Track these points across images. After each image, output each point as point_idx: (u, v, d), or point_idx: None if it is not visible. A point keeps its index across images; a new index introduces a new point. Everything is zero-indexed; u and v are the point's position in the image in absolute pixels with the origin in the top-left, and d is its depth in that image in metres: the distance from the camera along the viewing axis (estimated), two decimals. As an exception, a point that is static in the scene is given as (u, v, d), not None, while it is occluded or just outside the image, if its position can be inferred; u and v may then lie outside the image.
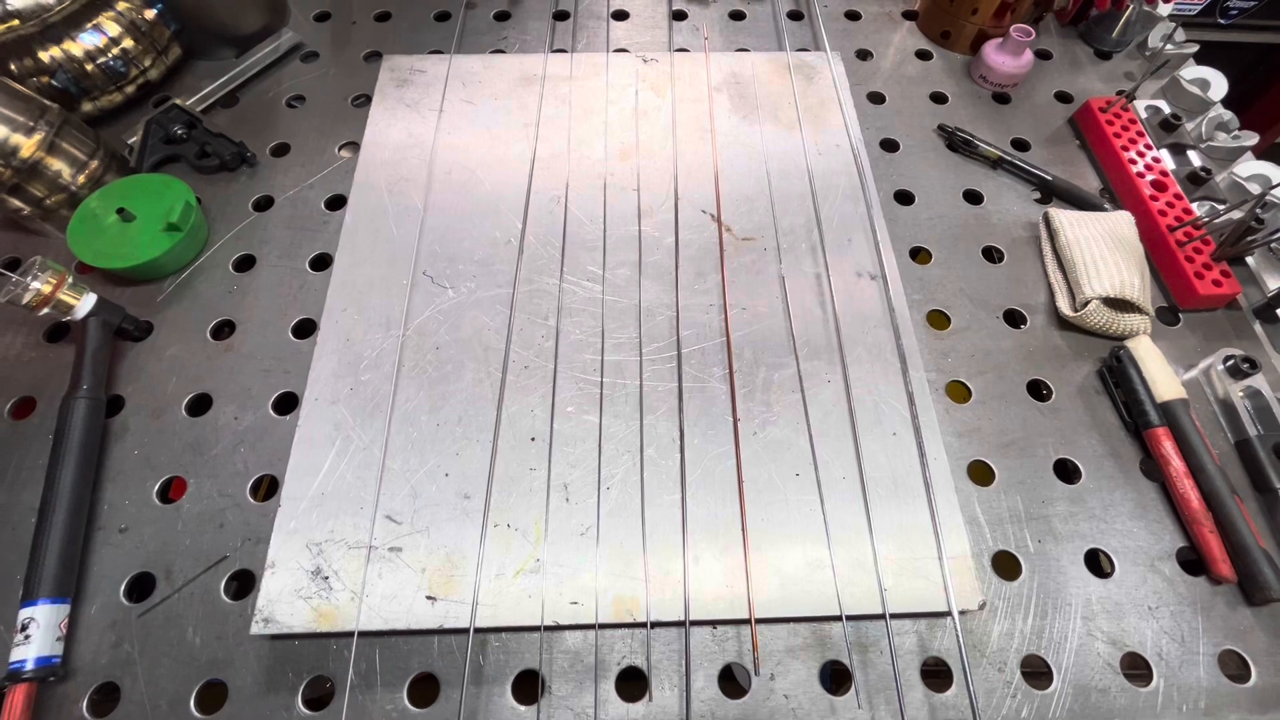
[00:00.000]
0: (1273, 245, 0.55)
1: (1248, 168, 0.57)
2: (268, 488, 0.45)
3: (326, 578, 0.39)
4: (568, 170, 0.55)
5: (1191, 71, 0.63)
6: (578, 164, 0.55)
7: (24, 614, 0.38)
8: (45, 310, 0.45)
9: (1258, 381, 0.46)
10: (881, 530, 0.41)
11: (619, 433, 0.44)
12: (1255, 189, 0.56)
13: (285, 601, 0.38)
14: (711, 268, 0.50)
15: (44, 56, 0.53)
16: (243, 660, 0.39)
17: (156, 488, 0.44)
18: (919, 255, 0.54)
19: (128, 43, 0.57)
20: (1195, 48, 0.65)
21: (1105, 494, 0.45)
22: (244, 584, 0.41)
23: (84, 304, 0.46)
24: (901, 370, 0.46)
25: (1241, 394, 0.46)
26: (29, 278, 0.43)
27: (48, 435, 0.44)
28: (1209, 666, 0.40)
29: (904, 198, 0.57)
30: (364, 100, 0.61)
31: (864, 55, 0.67)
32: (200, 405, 0.47)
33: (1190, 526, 0.43)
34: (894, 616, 0.39)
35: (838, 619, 0.39)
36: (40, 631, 0.37)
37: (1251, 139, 0.59)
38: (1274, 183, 0.52)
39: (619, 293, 0.49)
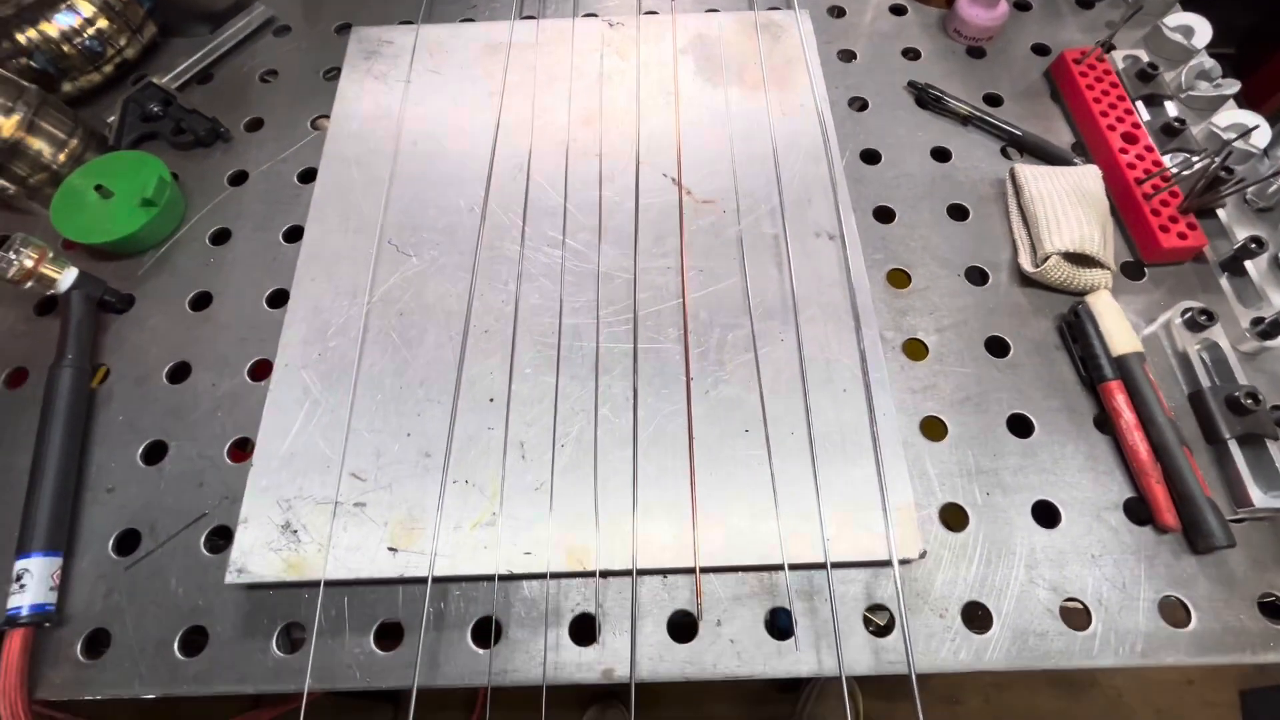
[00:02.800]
0: (1247, 196, 0.54)
1: (1227, 117, 0.56)
2: (243, 449, 0.47)
3: (295, 531, 0.41)
4: (531, 138, 0.55)
5: (1176, 18, 0.61)
6: (541, 131, 0.56)
7: (19, 565, 0.41)
8: (29, 284, 0.47)
9: (1215, 334, 0.46)
10: (827, 483, 0.42)
11: (575, 393, 0.45)
12: (1232, 139, 0.55)
13: (257, 553, 0.41)
14: (671, 231, 0.51)
15: (21, 39, 0.55)
16: (222, 608, 0.42)
17: (140, 450, 0.47)
18: (883, 214, 0.54)
19: (102, 23, 0.58)
20: (1182, -8, 0.63)
21: (1057, 447, 0.45)
22: (222, 538, 0.44)
23: (66, 278, 0.48)
24: (855, 328, 0.47)
25: (1198, 347, 0.46)
26: (11, 253, 0.46)
27: (39, 403, 0.46)
28: (1149, 612, 0.41)
29: (871, 157, 0.57)
30: (335, 73, 0.62)
31: (837, 12, 0.66)
32: (180, 373, 0.49)
33: (1138, 478, 0.43)
34: (835, 565, 0.40)
35: (780, 568, 0.40)
36: (34, 581, 0.40)
37: (1233, 87, 0.57)
38: (1239, 131, 0.51)
39: (579, 257, 0.50)
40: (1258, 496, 0.41)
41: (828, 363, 0.46)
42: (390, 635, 0.41)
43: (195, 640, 0.41)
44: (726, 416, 0.44)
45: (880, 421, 0.44)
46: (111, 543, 0.44)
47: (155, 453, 0.47)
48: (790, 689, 1.08)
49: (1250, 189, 0.53)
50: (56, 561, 0.42)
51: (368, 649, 0.40)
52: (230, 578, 0.40)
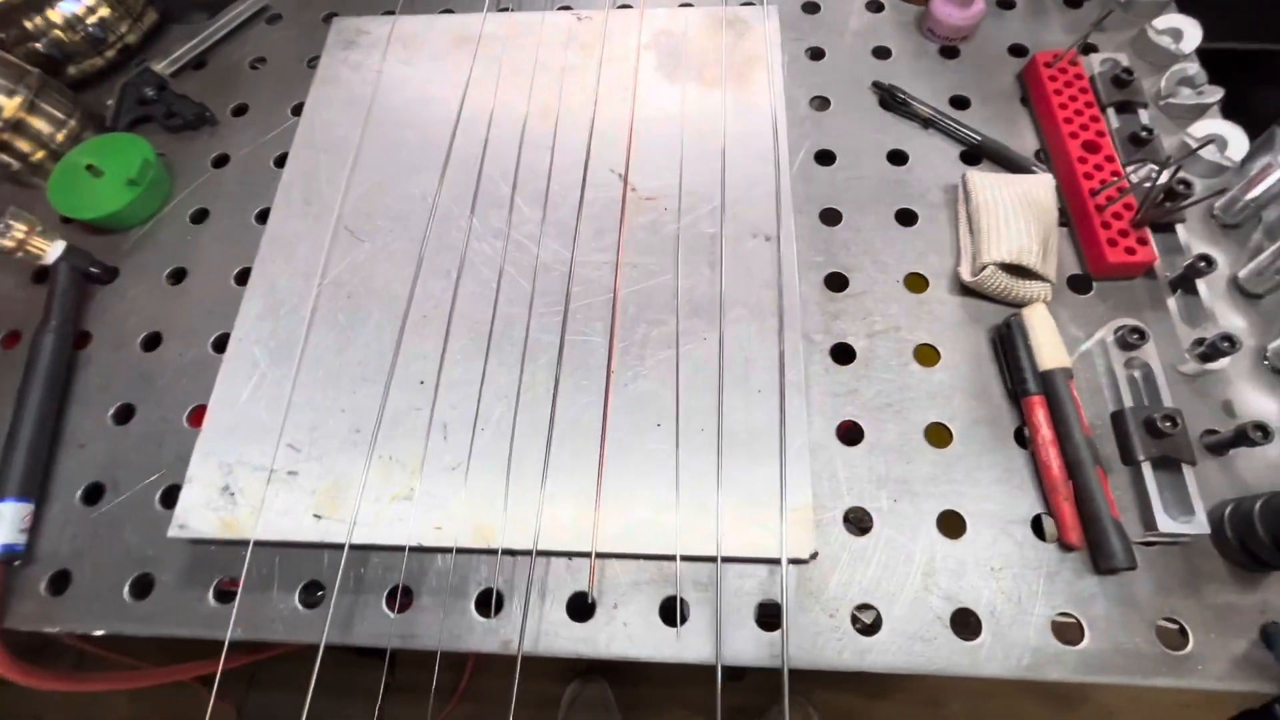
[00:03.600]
0: (1214, 211, 0.52)
1: (1204, 127, 0.54)
2: (201, 415, 0.51)
3: (233, 494, 0.45)
4: (488, 130, 0.57)
5: (1165, 20, 0.58)
6: (498, 124, 0.57)
7: (-7, 508, 0.45)
8: (20, 255, 0.52)
9: (1147, 353, 0.45)
10: (730, 481, 0.43)
11: (500, 380, 0.47)
12: (1209, 150, 0.53)
13: (197, 512, 0.44)
14: (611, 226, 0.52)
15: (29, 25, 0.59)
16: (168, 559, 0.46)
17: (112, 411, 0.51)
18: (830, 216, 0.54)
19: (104, 10, 0.62)
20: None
21: (973, 459, 0.45)
22: (173, 496, 0.48)
23: (54, 250, 0.53)
24: (778, 330, 0.47)
25: (1126, 366, 0.45)
26: (1, 226, 0.50)
27: (27, 363, 0.51)
28: (1040, 628, 0.41)
29: (825, 157, 0.57)
30: (317, 61, 0.65)
31: (812, 8, 0.65)
32: (153, 341, 0.54)
33: (1049, 494, 0.43)
34: (726, 560, 0.42)
35: (672, 558, 0.42)
36: (6, 524, 0.45)
37: (1216, 94, 0.55)
38: (1198, 144, 0.49)
39: (520, 249, 0.52)
40: (1163, 521, 0.40)
41: (746, 362, 0.47)
42: (313, 592, 0.45)
43: (144, 585, 0.45)
44: (641, 410, 0.46)
45: (790, 423, 0.44)
46: (80, 493, 0.48)
47: (124, 414, 0.51)
48: (737, 677, 1.08)
49: (1218, 204, 0.51)
50: (28, 507, 0.46)
51: (292, 605, 0.44)
52: (173, 532, 0.44)
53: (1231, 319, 0.48)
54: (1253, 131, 0.53)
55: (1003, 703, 1.28)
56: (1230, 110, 0.53)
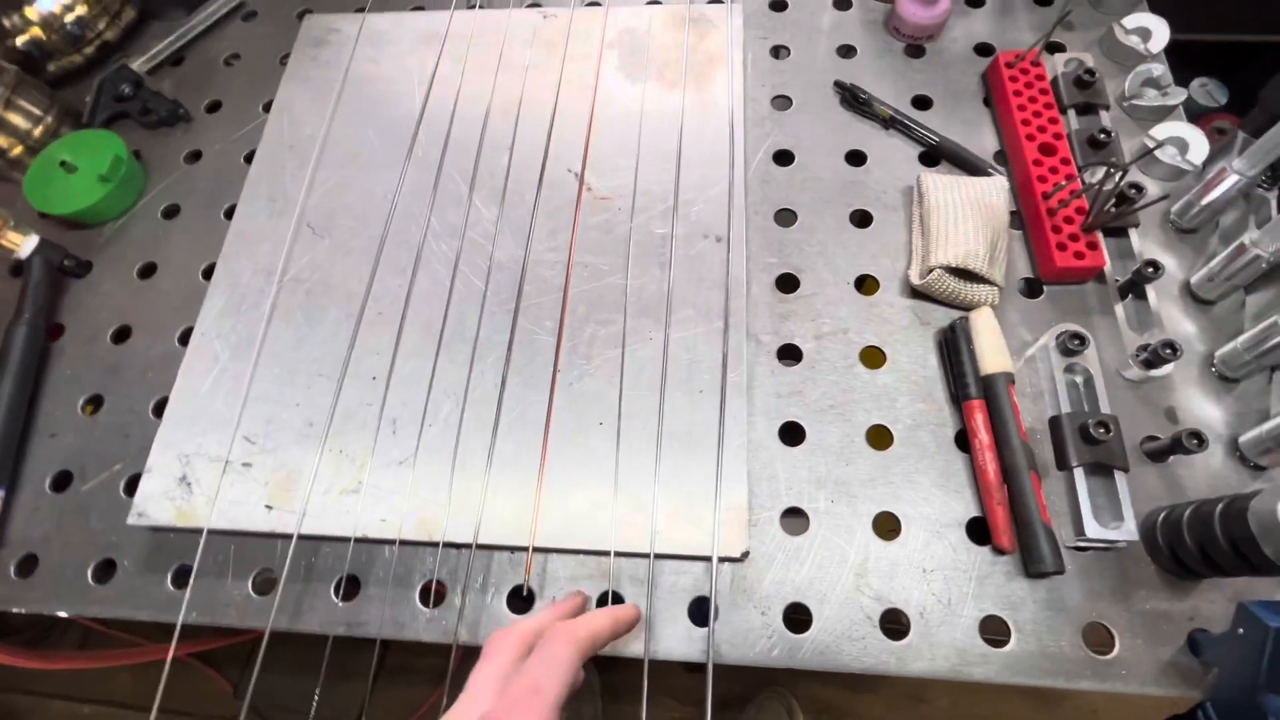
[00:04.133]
0: (1170, 216, 0.51)
1: (1167, 129, 0.53)
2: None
3: (190, 484, 0.46)
4: (449, 129, 0.58)
5: (1135, 19, 0.58)
6: (460, 122, 0.58)
7: (-36, 494, 0.47)
8: (-7, 249, 0.53)
9: (1086, 359, 0.45)
10: (667, 479, 0.44)
11: (450, 377, 0.48)
12: (1169, 154, 0.52)
13: (155, 500, 0.46)
14: (565, 225, 0.53)
15: (6, 23, 0.60)
16: (130, 545, 0.48)
17: (81, 402, 0.53)
18: (785, 218, 0.55)
19: (82, 8, 0.63)
20: (1149, -10, 0.59)
21: (913, 461, 0.46)
22: (137, 484, 0.50)
23: (27, 244, 0.54)
24: (723, 331, 0.48)
25: (1066, 371, 0.45)
26: (-27, 221, 0.52)
27: (2, 354, 0.53)
28: (967, 629, 0.41)
29: (783, 158, 0.57)
30: (289, 59, 0.66)
31: (779, 6, 0.65)
32: (123, 335, 0.55)
33: (984, 498, 0.43)
34: (659, 556, 0.43)
35: (607, 554, 0.43)
36: (-24, 509, 0.47)
37: (1179, 95, 0.54)
38: (1153, 145, 0.48)
39: (475, 248, 0.53)
40: (1092, 527, 0.40)
41: (691, 363, 0.47)
42: (270, 583, 0.46)
43: (107, 570, 0.47)
44: (585, 409, 0.47)
45: (730, 424, 0.45)
46: (49, 481, 0.50)
47: (94, 405, 0.53)
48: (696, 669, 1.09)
49: (1174, 208, 0.51)
50: (-2, 493, 0.48)
51: (245, 592, 0.46)
52: (131, 519, 0.46)
53: (1182, 325, 0.48)
54: (1264, 125, 0.52)
55: (987, 698, 1.28)
56: (1240, 104, 0.51)
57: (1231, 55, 0.91)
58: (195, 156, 0.63)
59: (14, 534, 0.49)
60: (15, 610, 0.47)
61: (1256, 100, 0.80)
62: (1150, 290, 0.48)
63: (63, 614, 0.46)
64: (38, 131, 0.60)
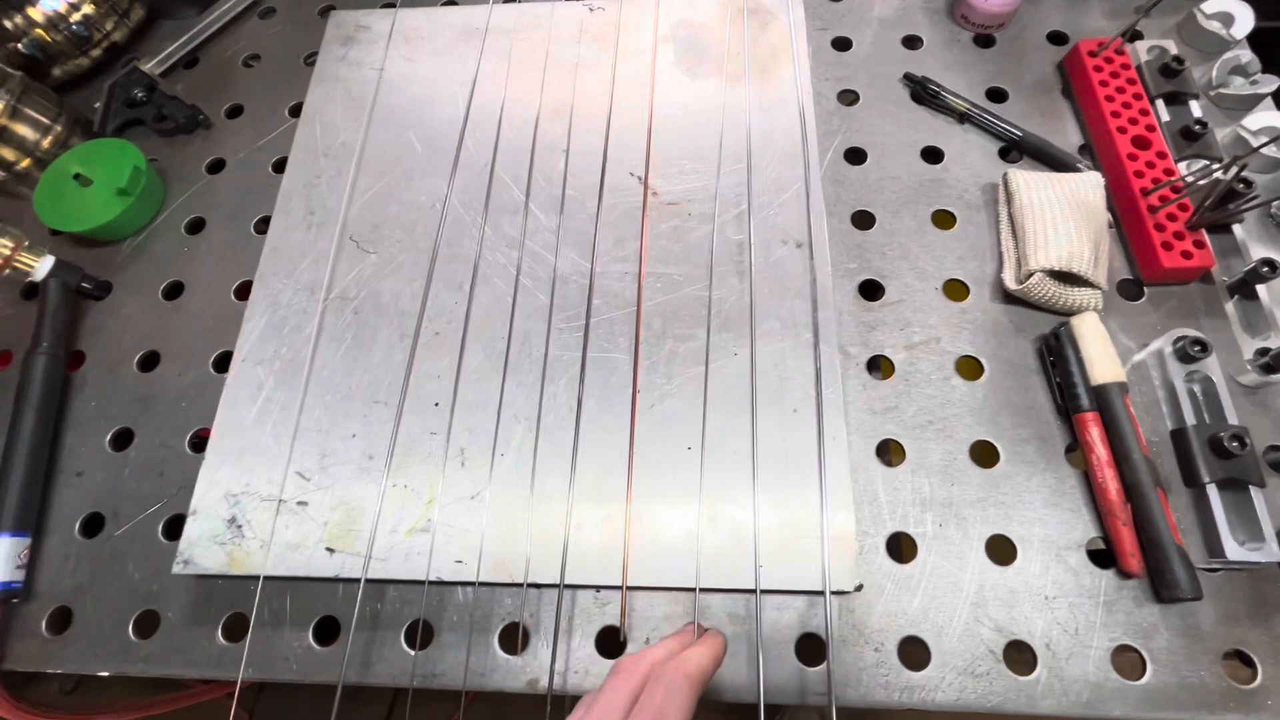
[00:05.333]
0: (1272, 211, 0.49)
1: (1259, 119, 0.51)
2: (203, 440, 0.48)
3: (240, 526, 0.42)
4: (498, 131, 0.54)
5: (1214, 4, 0.55)
6: (509, 124, 0.54)
7: (-12, 545, 0.43)
8: (7, 271, 0.49)
9: (1209, 366, 0.42)
10: (767, 507, 0.41)
11: (519, 401, 0.45)
12: (1255, 146, 0.49)
13: (203, 546, 0.42)
14: (632, 234, 0.49)
15: (8, 25, 0.56)
16: (174, 594, 0.44)
17: (109, 437, 0.48)
18: (863, 220, 0.51)
19: (88, 8, 0.58)
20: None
21: (1022, 479, 0.43)
22: (177, 526, 0.45)
23: (42, 266, 0.50)
24: (813, 345, 0.45)
25: (1186, 379, 0.42)
26: (-15, 242, 0.47)
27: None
28: (1100, 661, 0.38)
29: (856, 156, 0.54)
30: (314, 59, 0.62)
31: (837, -5, 0.61)
32: (150, 361, 0.51)
33: (1105, 518, 0.40)
34: (765, 592, 0.39)
35: (705, 590, 0.40)
36: (1, 561, 0.43)
37: (1271, 84, 0.52)
38: (1272, 135, 0.46)
39: (536, 259, 0.49)
40: (1231, 548, 0.38)
41: (781, 380, 0.44)
42: (331, 630, 0.42)
43: (149, 623, 0.43)
44: (670, 432, 0.43)
45: (829, 445, 0.42)
46: (78, 525, 0.46)
47: (122, 439, 0.48)
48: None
49: (1276, 203, 0.48)
50: (24, 542, 0.44)
51: (305, 643, 0.42)
52: (177, 568, 0.41)
53: (1293, 325, 0.46)
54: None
55: None
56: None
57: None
58: (217, 166, 0.58)
59: (43, 585, 0.44)
60: (51, 671, 0.43)
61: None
62: (1261, 290, 0.45)
63: (104, 674, 0.42)
64: (46, 142, 0.55)
